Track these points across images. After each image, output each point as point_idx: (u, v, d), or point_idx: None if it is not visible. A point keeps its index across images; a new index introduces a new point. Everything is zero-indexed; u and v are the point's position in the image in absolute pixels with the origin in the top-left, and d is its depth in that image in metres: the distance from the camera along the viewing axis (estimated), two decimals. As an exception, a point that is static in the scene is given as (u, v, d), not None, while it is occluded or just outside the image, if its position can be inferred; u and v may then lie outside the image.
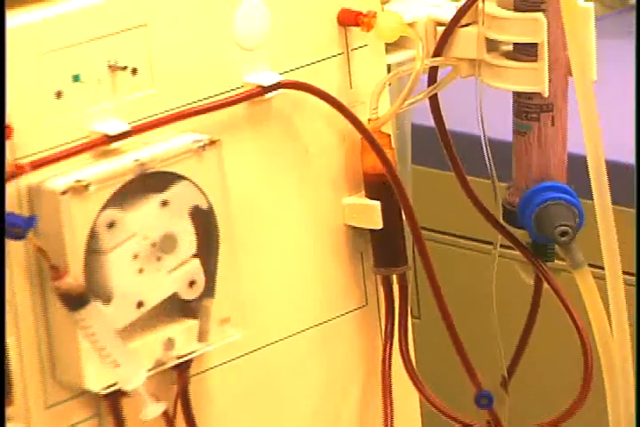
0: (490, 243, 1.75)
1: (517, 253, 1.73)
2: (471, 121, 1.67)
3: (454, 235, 1.74)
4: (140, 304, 1.45)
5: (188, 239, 1.47)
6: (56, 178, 1.38)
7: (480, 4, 1.60)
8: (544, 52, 1.59)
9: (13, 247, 1.39)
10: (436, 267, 1.63)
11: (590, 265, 1.66)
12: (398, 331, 1.63)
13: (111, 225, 1.42)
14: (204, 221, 1.47)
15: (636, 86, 1.80)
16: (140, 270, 1.44)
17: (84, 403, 1.45)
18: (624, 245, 1.68)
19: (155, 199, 1.45)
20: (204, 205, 1.47)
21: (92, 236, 1.40)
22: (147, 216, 1.44)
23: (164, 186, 1.45)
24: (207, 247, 1.47)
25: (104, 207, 1.40)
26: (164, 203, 1.46)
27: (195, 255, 1.48)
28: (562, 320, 1.69)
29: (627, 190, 1.74)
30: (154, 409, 1.43)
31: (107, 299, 1.42)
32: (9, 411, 1.40)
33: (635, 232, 1.83)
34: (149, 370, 1.45)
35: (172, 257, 1.45)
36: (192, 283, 1.47)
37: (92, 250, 1.41)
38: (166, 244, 1.45)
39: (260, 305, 1.55)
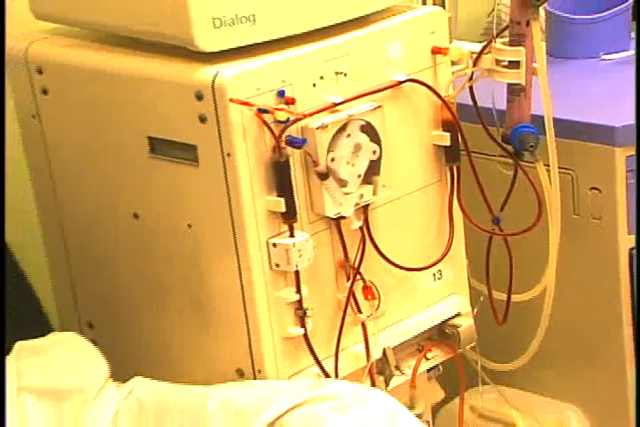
0: (494, 155, 1.74)
1: (507, 160, 1.72)
2: (487, 98, 1.68)
3: (480, 152, 1.73)
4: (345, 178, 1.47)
5: (369, 151, 1.49)
6: (314, 122, 1.42)
7: (493, 44, 1.61)
8: (523, 64, 1.61)
9: (296, 153, 1.43)
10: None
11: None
12: (456, 191, 1.64)
13: (337, 143, 1.45)
14: (376, 142, 1.50)
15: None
16: (349, 163, 1.47)
17: (324, 222, 1.49)
18: (560, 155, 1.68)
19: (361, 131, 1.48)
20: (376, 134, 1.49)
21: (329, 147, 1.44)
22: (354, 138, 1.47)
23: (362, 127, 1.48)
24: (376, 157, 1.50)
25: (334, 135, 1.44)
26: (364, 135, 1.48)
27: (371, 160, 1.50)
28: (527, 188, 1.69)
29: (558, 129, 1.68)
30: (356, 224, 1.50)
31: (336, 176, 1.46)
32: (295, 225, 1.43)
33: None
34: (354, 206, 1.49)
35: (363, 154, 1.48)
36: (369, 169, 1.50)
37: (330, 153, 1.44)
38: (359, 151, 1.48)
39: (398, 179, 1.56)
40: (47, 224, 1.66)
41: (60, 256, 1.65)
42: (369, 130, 1.49)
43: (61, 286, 1.67)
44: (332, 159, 1.46)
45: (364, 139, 1.49)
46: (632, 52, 2.07)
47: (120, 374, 1.49)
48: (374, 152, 1.51)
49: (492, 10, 2.16)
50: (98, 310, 1.64)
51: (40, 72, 1.53)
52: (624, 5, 2.06)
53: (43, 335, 1.50)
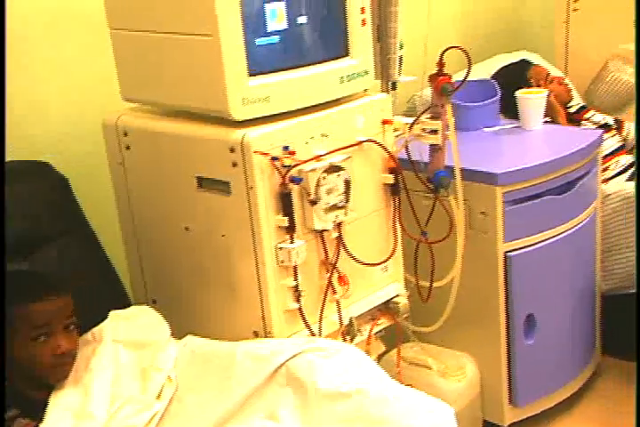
0: (420, 191, 1.69)
1: (429, 194, 1.69)
2: (417, 153, 1.63)
3: (412, 189, 1.63)
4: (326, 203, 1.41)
5: (340, 197, 1.44)
6: (307, 166, 1.37)
7: (420, 119, 1.57)
8: (440, 132, 1.60)
9: (296, 187, 1.36)
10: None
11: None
12: (398, 214, 1.57)
13: (326, 180, 1.38)
14: (347, 192, 1.44)
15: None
16: (328, 192, 1.42)
17: (312, 233, 1.43)
18: (462, 191, 1.66)
19: (338, 174, 1.42)
20: (349, 186, 1.44)
21: (320, 182, 1.37)
22: (334, 179, 1.42)
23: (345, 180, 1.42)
24: (346, 191, 1.45)
25: (326, 176, 1.38)
26: (339, 176, 1.42)
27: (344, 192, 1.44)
28: (442, 212, 1.68)
29: (461, 174, 1.65)
30: (334, 235, 1.45)
31: (320, 202, 1.40)
32: (294, 235, 1.37)
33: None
34: (332, 223, 1.43)
35: (336, 195, 1.43)
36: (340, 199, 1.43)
37: (322, 186, 1.38)
38: (335, 192, 1.43)
39: (361, 205, 1.48)
40: (126, 233, 1.59)
41: (135, 257, 1.59)
42: (347, 183, 1.45)
43: (135, 275, 1.61)
44: (322, 187, 1.41)
45: (341, 186, 1.45)
46: (500, 126, 2.05)
47: (176, 333, 1.45)
48: (340, 201, 1.45)
49: (411, 97, 2.20)
50: (160, 291, 1.58)
51: (125, 134, 1.49)
52: (495, 98, 2.05)
53: (124, 307, 1.46)
